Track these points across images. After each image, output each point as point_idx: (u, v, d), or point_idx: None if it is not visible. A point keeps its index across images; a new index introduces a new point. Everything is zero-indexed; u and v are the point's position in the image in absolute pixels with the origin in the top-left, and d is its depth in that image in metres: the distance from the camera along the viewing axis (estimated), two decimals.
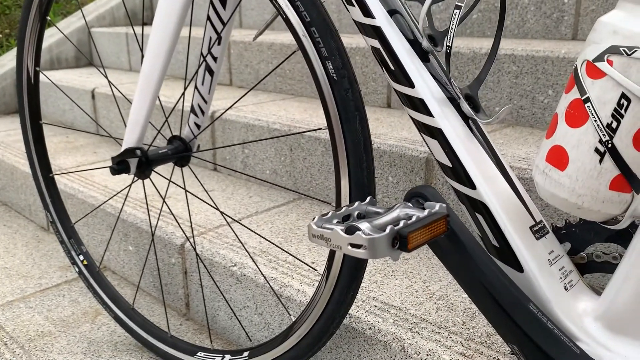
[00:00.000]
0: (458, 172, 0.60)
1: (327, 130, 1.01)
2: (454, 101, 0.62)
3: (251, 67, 1.91)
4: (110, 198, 1.19)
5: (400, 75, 0.63)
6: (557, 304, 0.55)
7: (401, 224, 0.50)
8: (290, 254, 1.01)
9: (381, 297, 0.96)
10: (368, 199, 0.58)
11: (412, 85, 0.62)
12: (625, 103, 0.49)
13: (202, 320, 1.18)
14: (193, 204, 1.36)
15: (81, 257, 1.16)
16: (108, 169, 0.94)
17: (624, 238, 0.57)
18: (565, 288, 0.56)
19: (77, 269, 1.17)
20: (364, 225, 0.50)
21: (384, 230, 0.49)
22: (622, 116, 0.49)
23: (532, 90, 1.31)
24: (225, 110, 1.02)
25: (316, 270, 1.01)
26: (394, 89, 0.64)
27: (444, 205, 0.53)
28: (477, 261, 0.53)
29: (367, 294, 0.97)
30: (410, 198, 0.58)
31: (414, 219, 0.51)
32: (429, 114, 0.61)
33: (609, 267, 0.58)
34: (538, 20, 1.57)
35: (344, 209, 0.55)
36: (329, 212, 0.54)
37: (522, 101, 1.33)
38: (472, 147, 0.60)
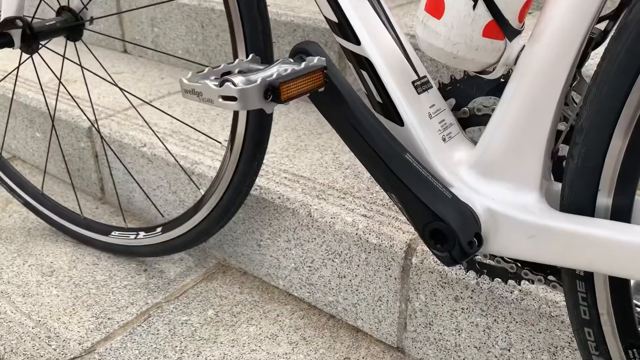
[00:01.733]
0: (344, 28, 0.59)
1: None
2: None
3: None
4: (2, 79, 1.11)
5: None
6: (435, 155, 0.57)
7: (274, 75, 0.49)
8: (197, 130, 0.99)
9: (292, 170, 0.97)
10: (250, 56, 0.56)
11: None
12: None
13: (119, 203, 1.18)
14: (101, 86, 1.29)
15: None
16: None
17: (502, 90, 0.58)
18: (444, 139, 0.58)
19: None
20: (237, 79, 0.49)
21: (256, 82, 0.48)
22: None
23: None
24: None
25: (220, 144, 1.00)
26: None
27: (323, 58, 0.53)
28: (356, 113, 0.53)
29: (278, 167, 0.98)
30: (294, 54, 0.56)
31: (289, 71, 0.50)
32: None
33: (489, 120, 0.60)
34: None
35: (222, 65, 0.53)
36: (205, 69, 0.52)
37: None
38: (357, 1, 0.58)
